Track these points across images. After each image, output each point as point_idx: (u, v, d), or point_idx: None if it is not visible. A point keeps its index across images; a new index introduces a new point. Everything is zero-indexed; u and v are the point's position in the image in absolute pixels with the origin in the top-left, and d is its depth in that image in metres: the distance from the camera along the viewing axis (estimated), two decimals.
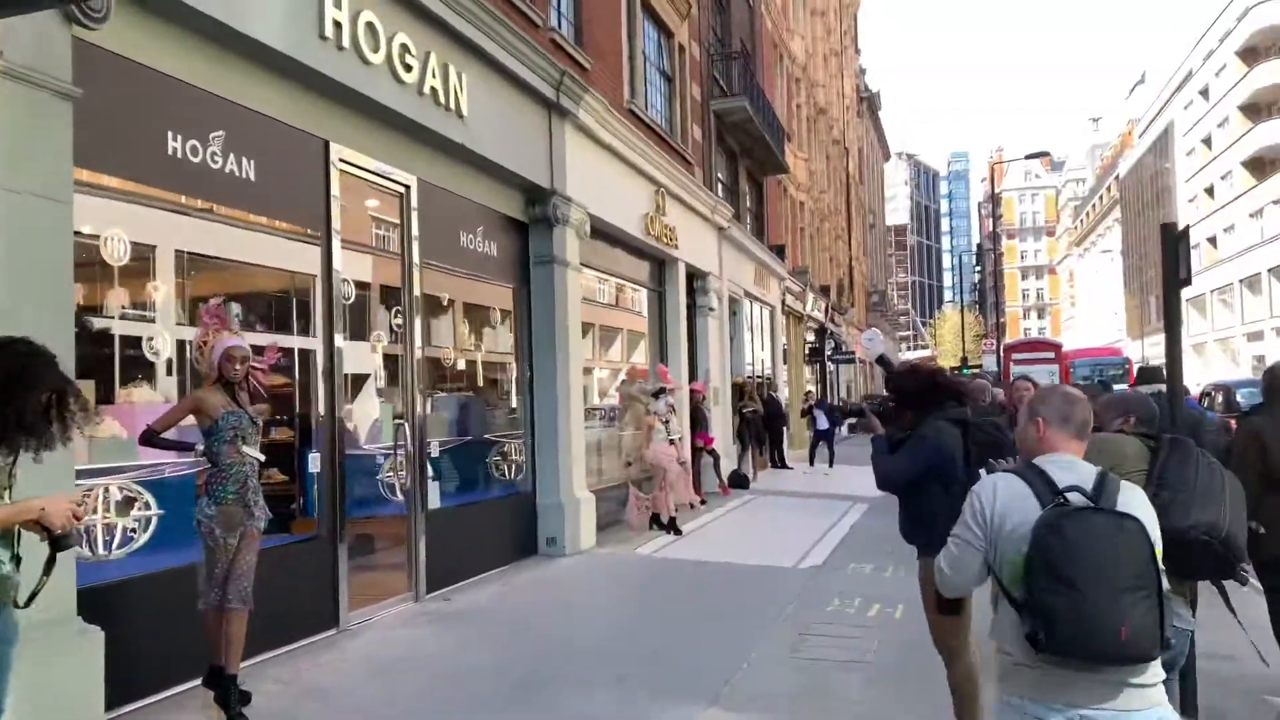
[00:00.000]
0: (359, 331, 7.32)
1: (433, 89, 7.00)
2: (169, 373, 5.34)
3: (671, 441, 10.68)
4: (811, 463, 19.37)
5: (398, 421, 7.19)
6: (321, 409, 6.26)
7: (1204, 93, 50.98)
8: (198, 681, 4.69)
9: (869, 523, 11.08)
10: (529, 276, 9.19)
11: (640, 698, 4.96)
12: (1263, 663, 3.99)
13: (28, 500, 2.67)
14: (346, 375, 7.06)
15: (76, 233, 4.48)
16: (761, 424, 17.61)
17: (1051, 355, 22.71)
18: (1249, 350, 44.13)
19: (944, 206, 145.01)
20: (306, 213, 6.11)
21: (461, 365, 8.66)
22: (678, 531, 10.32)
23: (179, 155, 5.10)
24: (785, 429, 20.05)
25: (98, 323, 4.86)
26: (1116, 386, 19.13)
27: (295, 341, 6.33)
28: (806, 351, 26.55)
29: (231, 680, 4.53)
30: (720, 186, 17.30)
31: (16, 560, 2.73)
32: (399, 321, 7.30)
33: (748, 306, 19.02)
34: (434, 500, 7.49)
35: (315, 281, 6.25)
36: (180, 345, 5.28)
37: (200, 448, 4.61)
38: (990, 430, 4.01)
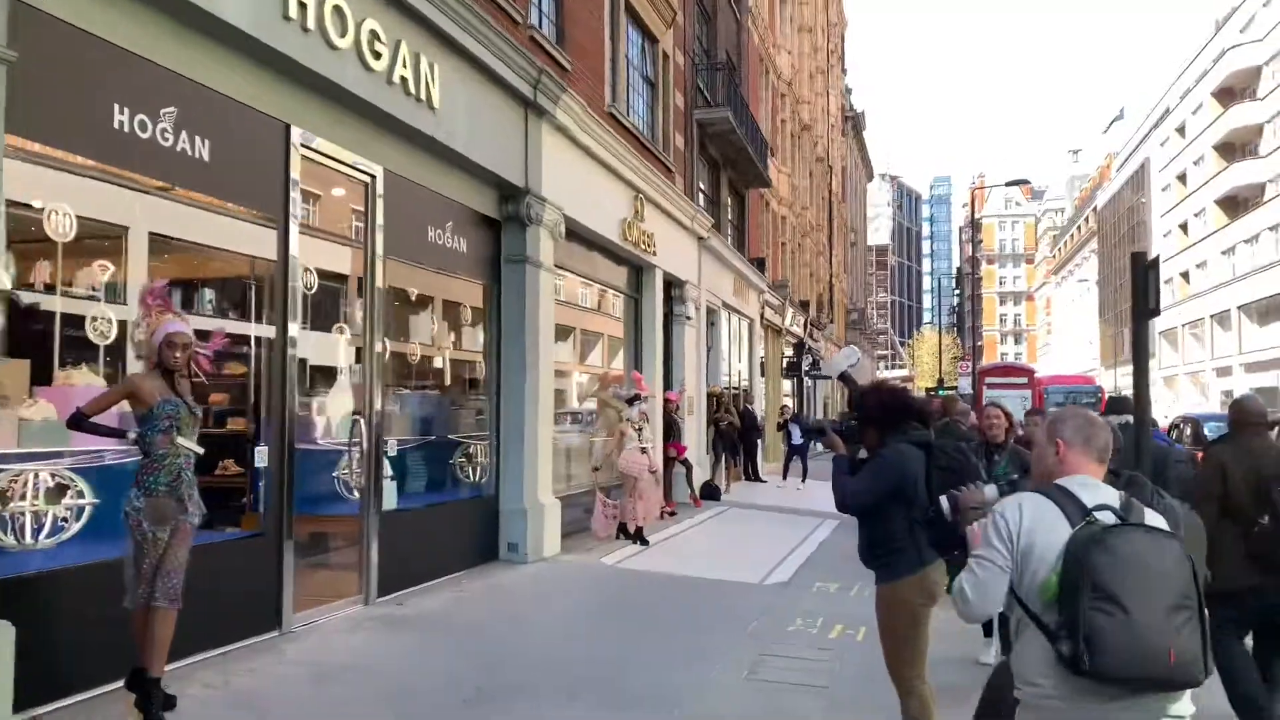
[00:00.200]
0: (320, 323, 7.11)
1: (403, 78, 6.80)
2: (111, 356, 5.11)
3: (643, 450, 10.48)
4: (785, 477, 19.25)
5: (355, 417, 6.96)
6: (274, 400, 6.01)
7: (1180, 130, 51.63)
8: (121, 683, 4.43)
9: (837, 539, 10.92)
10: (500, 275, 8.98)
11: (591, 717, 4.75)
12: None
13: None
14: (307, 366, 6.85)
15: (12, 202, 4.25)
16: (736, 436, 17.49)
17: (1025, 381, 22.65)
18: (1218, 385, 44.58)
19: (925, 229, 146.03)
20: (263, 198, 5.88)
21: (427, 362, 8.44)
22: (644, 542, 10.12)
23: (125, 130, 4.85)
24: (760, 442, 19.92)
25: (27, 298, 4.62)
26: None
27: (250, 329, 6.09)
28: (784, 365, 26.47)
29: (154, 683, 4.27)
30: (701, 196, 17.18)
31: None
32: (361, 314, 7.07)
33: (726, 317, 18.89)
34: (390, 501, 7.25)
35: (271, 267, 6.02)
36: (124, 327, 5.04)
37: (133, 435, 4.37)
38: (953, 454, 3.85)
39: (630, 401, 10.61)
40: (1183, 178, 51.20)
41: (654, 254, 12.89)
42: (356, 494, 6.91)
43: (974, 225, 50.70)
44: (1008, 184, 38.54)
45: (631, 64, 12.96)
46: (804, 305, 29.86)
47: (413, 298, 8.18)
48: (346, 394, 7.19)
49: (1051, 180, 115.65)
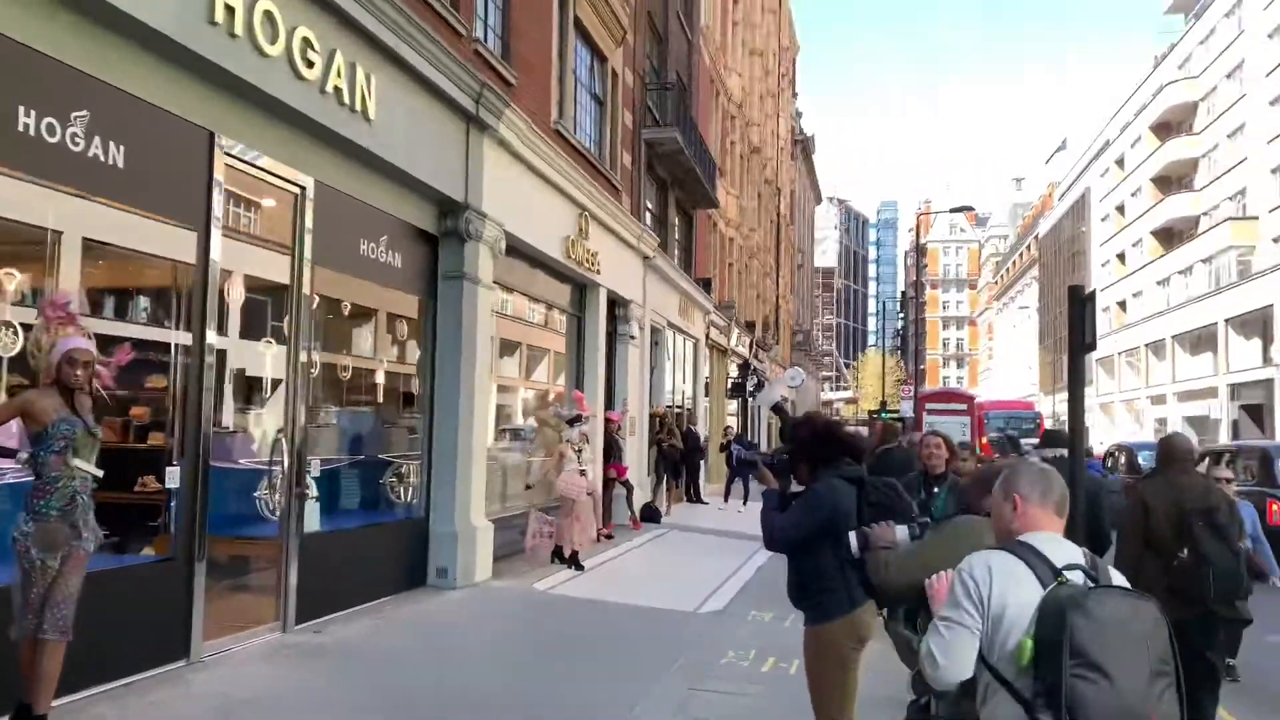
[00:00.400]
0: (248, 334, 6.85)
1: (336, 88, 6.60)
2: (21, 368, 4.83)
3: (582, 472, 10.30)
4: (726, 498, 19.18)
5: (278, 435, 6.70)
6: (190, 414, 5.74)
7: (1120, 162, 53.10)
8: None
9: (775, 565, 10.78)
10: (437, 290, 8.77)
11: None
12: None
13: None
14: (229, 378, 6.59)
15: None
16: (678, 457, 17.39)
17: (964, 407, 22.97)
18: (1152, 412, 45.78)
19: (872, 253, 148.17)
20: (183, 207, 5.63)
21: (359, 378, 8.20)
22: (579, 567, 9.94)
23: (31, 132, 4.60)
24: (703, 463, 19.84)
25: None
26: (1026, 441, 19.48)
27: (172, 336, 5.79)
28: (729, 386, 26.51)
29: None
30: (649, 215, 17.13)
31: None
32: (286, 330, 6.82)
33: (671, 337, 18.84)
34: (312, 522, 6.99)
35: (192, 275, 5.74)
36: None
37: (24, 455, 4.11)
38: (885, 490, 3.77)
39: (571, 422, 10.45)
40: (1121, 209, 52.63)
41: (598, 272, 12.78)
42: (277, 515, 6.66)
43: (919, 250, 51.61)
44: (952, 210, 39.27)
45: (580, 81, 12.87)
46: (750, 326, 29.96)
47: (345, 311, 7.95)
48: (271, 409, 6.93)
49: (995, 207, 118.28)
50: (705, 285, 21.72)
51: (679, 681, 5.97)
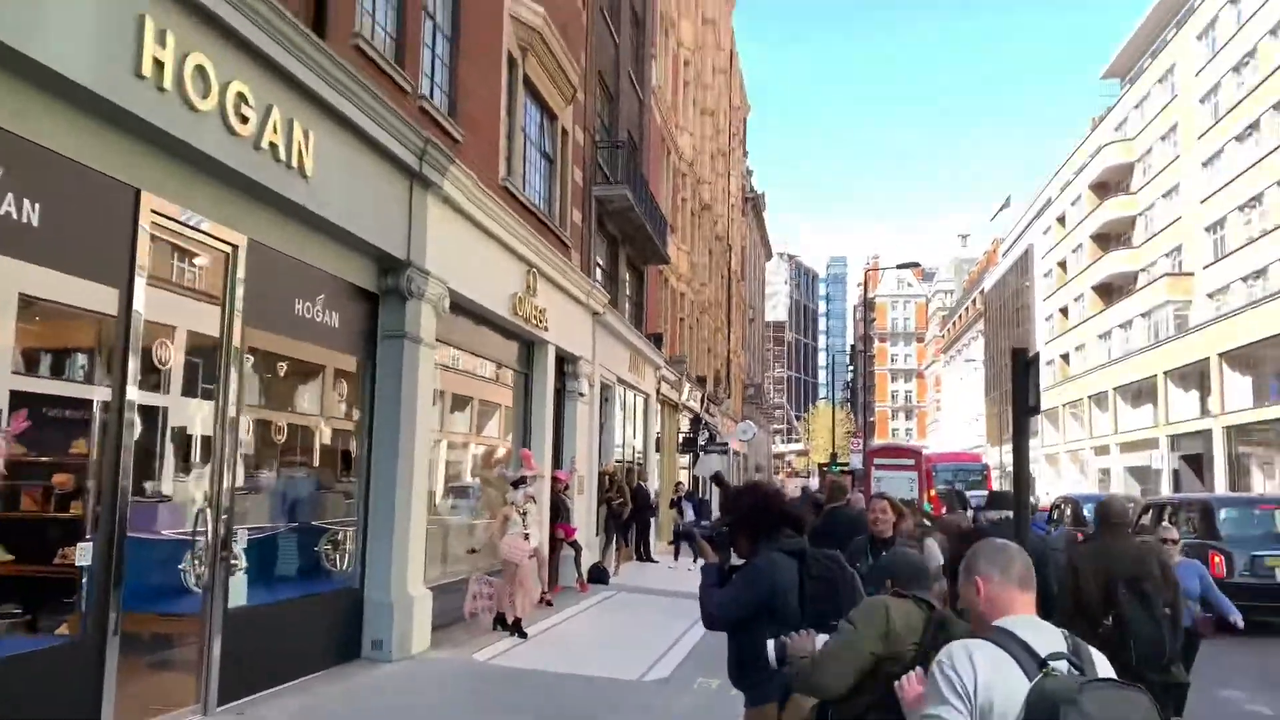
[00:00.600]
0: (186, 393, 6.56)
1: (272, 144, 6.43)
2: None
3: (526, 536, 9.99)
4: (676, 556, 18.93)
5: (202, 504, 6.38)
6: (106, 480, 5.43)
7: (1061, 220, 54.74)
8: None
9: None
10: (376, 351, 8.54)
11: None
12: None
13: None
14: (174, 437, 6.30)
15: None
16: (627, 515, 17.14)
17: (912, 462, 23.02)
18: (1096, 463, 46.62)
19: (822, 307, 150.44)
20: (105, 267, 5.38)
21: (292, 441, 7.90)
22: (522, 634, 9.63)
23: None
24: (653, 520, 19.61)
25: None
26: (973, 493, 19.55)
27: (94, 392, 5.49)
28: (680, 440, 26.41)
29: None
30: (600, 272, 17.09)
31: None
32: (212, 394, 6.54)
33: (621, 393, 18.70)
34: (238, 596, 6.64)
35: (112, 329, 5.46)
36: None
37: None
38: (827, 563, 3.64)
39: (515, 484, 10.20)
40: (1063, 265, 54.10)
41: (546, 329, 12.64)
42: (200, 589, 6.32)
43: (867, 304, 52.40)
44: (900, 266, 39.96)
45: (529, 138, 12.86)
46: (701, 380, 29.99)
47: (280, 373, 7.68)
48: (196, 474, 6.62)
49: (941, 263, 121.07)
50: (656, 340, 21.70)
51: None
